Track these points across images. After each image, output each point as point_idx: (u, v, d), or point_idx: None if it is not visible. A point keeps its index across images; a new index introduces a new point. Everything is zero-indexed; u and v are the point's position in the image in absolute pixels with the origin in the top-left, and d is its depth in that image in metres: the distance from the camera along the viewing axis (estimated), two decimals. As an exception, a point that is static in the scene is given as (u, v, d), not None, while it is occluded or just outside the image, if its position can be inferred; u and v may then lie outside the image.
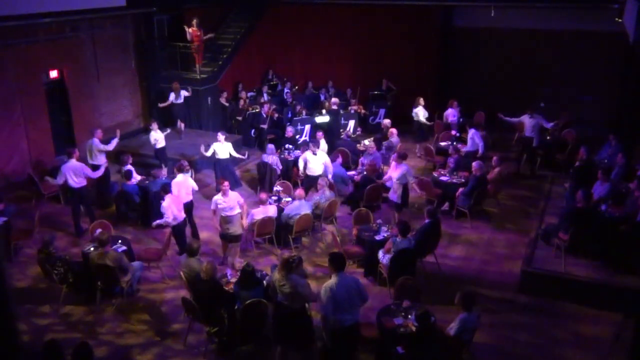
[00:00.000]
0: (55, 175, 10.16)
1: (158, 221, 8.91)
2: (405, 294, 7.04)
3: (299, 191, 9.68)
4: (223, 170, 11.36)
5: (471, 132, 12.18)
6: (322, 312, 6.09)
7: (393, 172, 9.95)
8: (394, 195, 9.93)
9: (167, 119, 14.57)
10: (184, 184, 9.47)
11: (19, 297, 8.17)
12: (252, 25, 16.63)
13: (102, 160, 10.89)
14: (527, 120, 12.43)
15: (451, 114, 14.16)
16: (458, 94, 15.30)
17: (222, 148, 11.39)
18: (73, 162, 9.97)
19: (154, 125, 12.11)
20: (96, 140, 11.00)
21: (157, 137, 12.05)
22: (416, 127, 14.63)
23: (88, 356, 5.62)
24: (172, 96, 14.15)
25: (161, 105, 14.29)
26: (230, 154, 11.54)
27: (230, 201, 8.69)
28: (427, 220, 8.61)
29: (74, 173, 9.91)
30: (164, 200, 8.92)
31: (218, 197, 8.77)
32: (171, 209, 8.81)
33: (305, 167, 11.10)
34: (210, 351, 7.07)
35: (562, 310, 7.87)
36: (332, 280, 6.01)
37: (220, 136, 11.37)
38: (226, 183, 8.84)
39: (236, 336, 6.93)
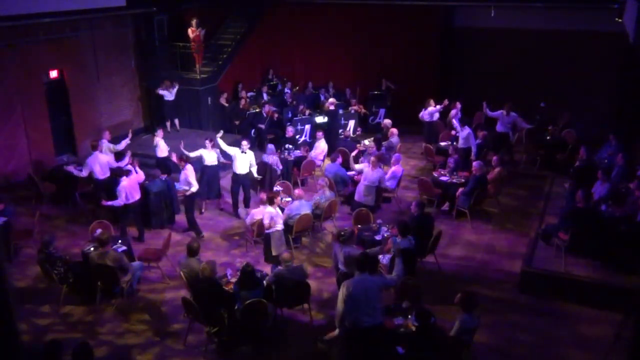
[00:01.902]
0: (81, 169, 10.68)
1: (109, 202, 9.43)
2: (405, 294, 7.04)
3: (299, 191, 9.68)
4: (210, 178, 10.91)
5: (466, 132, 12.22)
6: (337, 311, 6.01)
7: (370, 175, 9.83)
8: (365, 197, 9.82)
9: (159, 117, 14.60)
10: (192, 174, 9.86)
11: (19, 297, 8.16)
12: (252, 25, 16.64)
13: (112, 159, 11.03)
14: (501, 116, 12.62)
15: (454, 115, 14.08)
16: (458, 94, 15.30)
17: (209, 155, 10.83)
18: (98, 154, 10.45)
19: (159, 133, 11.90)
20: (105, 142, 11.19)
21: (162, 147, 11.85)
22: (427, 128, 14.47)
23: (88, 356, 5.62)
24: (165, 93, 14.13)
25: (159, 91, 14.20)
26: (218, 161, 11.00)
27: (279, 214, 8.57)
28: (415, 215, 8.61)
29: (100, 165, 10.39)
30: (120, 182, 9.48)
31: (271, 210, 8.46)
32: (125, 190, 9.34)
33: (233, 167, 10.80)
34: (210, 351, 7.07)
35: (562, 310, 7.88)
36: (352, 279, 6.00)
37: (208, 143, 10.83)
38: (279, 198, 8.79)
39: (236, 336, 6.94)
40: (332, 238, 7.27)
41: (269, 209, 8.46)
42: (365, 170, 10.06)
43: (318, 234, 10.15)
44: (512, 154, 13.35)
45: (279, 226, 8.51)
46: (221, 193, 11.34)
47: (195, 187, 9.93)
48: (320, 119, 14.25)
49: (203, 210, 11.10)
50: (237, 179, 10.76)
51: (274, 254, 8.43)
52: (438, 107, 13.78)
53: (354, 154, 11.25)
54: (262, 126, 14.26)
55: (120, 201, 9.39)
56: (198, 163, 10.92)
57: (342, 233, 7.31)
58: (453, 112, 14.11)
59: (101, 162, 10.48)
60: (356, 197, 10.06)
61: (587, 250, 8.45)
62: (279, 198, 8.81)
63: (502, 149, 12.84)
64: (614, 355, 6.66)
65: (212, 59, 15.72)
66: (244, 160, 10.70)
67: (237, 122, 14.74)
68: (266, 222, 8.38)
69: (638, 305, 7.09)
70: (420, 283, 7.56)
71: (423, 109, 13.97)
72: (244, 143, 10.77)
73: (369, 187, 9.82)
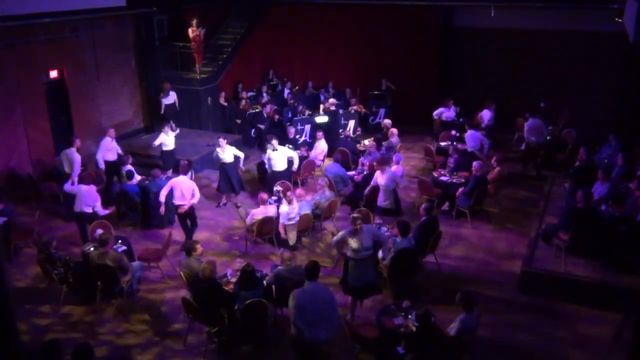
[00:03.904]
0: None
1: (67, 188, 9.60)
2: (405, 294, 7.04)
3: (299, 191, 9.68)
4: (229, 174, 11.06)
5: (469, 133, 12.16)
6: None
7: (381, 179, 9.83)
8: (384, 202, 9.77)
9: (159, 118, 14.61)
10: (183, 184, 9.38)
11: (19, 297, 8.17)
12: (252, 25, 16.64)
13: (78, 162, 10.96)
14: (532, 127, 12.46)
15: (485, 116, 13.85)
16: (458, 94, 15.30)
17: (225, 154, 10.97)
18: (72, 150, 10.73)
19: (166, 129, 11.90)
20: (106, 140, 11.36)
21: (167, 142, 11.84)
22: (438, 126, 14.45)
23: (89, 357, 5.62)
24: (162, 97, 14.09)
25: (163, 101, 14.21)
26: (234, 156, 11.19)
27: (295, 209, 8.58)
28: (423, 218, 8.61)
29: (67, 160, 10.70)
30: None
31: (285, 209, 8.62)
32: (80, 190, 9.28)
33: (270, 166, 11.02)
34: (210, 351, 7.07)
35: (562, 310, 7.88)
36: (300, 288, 5.76)
37: (222, 141, 10.95)
38: (289, 193, 8.79)
39: (236, 336, 6.94)
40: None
41: (284, 207, 8.54)
42: (376, 176, 9.98)
43: (318, 234, 10.14)
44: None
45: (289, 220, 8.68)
46: (244, 187, 11.47)
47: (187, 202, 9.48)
48: (320, 119, 14.25)
49: (222, 204, 11.30)
50: (275, 176, 10.94)
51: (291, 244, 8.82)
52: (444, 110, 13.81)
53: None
54: (262, 126, 14.30)
55: (73, 189, 9.43)
56: (215, 162, 11.20)
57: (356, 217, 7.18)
58: (484, 111, 13.93)
59: (69, 158, 10.73)
60: (378, 202, 9.97)
61: (587, 250, 8.45)
62: (288, 193, 8.83)
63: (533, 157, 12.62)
64: (614, 355, 6.66)
65: (212, 59, 15.71)
66: (279, 157, 10.90)
67: (238, 121, 14.77)
68: (283, 220, 8.66)
69: (638, 305, 7.10)
70: (420, 283, 7.57)
71: (445, 108, 13.96)
72: (274, 142, 10.94)
73: (385, 191, 9.75)
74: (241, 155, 11.26)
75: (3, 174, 11.90)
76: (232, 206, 11.26)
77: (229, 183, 11.12)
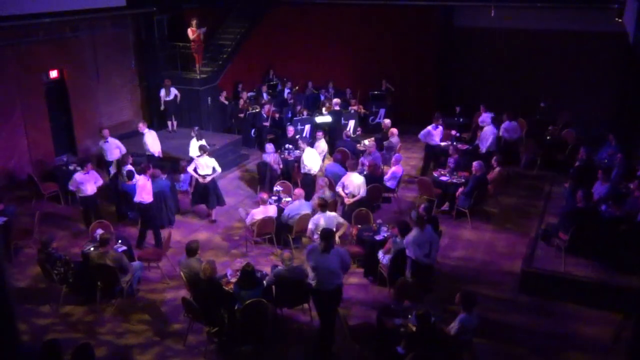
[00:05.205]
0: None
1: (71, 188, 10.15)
2: (405, 294, 7.04)
3: (299, 191, 9.67)
4: (201, 187, 10.54)
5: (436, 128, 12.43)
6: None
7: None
8: None
9: (159, 117, 14.59)
10: (144, 186, 9.35)
11: (19, 297, 8.17)
12: (252, 25, 16.62)
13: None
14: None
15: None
16: (458, 94, 15.31)
17: (205, 163, 10.49)
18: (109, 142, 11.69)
19: (193, 134, 11.61)
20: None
21: (192, 147, 11.48)
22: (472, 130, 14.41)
23: (89, 357, 5.62)
24: (162, 93, 14.05)
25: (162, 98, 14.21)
26: (213, 170, 10.59)
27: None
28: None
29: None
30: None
31: (317, 216, 8.44)
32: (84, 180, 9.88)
33: (301, 166, 11.24)
34: (210, 351, 7.07)
35: (562, 310, 7.88)
36: (319, 255, 6.69)
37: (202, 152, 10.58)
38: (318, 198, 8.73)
39: (236, 336, 6.94)
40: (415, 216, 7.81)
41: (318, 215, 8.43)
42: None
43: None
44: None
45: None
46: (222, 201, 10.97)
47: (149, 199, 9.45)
48: (322, 119, 14.25)
49: (214, 218, 10.75)
50: (308, 178, 11.20)
51: None
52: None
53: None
54: (267, 124, 14.33)
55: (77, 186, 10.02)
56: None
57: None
58: (507, 123, 13.69)
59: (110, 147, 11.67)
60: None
61: (587, 250, 8.45)
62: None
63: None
64: (614, 355, 6.67)
65: (212, 59, 15.70)
66: (312, 156, 11.16)
67: (241, 115, 14.77)
68: (311, 227, 8.40)
69: (638, 305, 7.10)
70: (420, 283, 7.56)
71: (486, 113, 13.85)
72: (301, 142, 11.39)
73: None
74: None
75: (3, 174, 11.90)
76: (231, 207, 11.24)
77: (199, 197, 10.64)
